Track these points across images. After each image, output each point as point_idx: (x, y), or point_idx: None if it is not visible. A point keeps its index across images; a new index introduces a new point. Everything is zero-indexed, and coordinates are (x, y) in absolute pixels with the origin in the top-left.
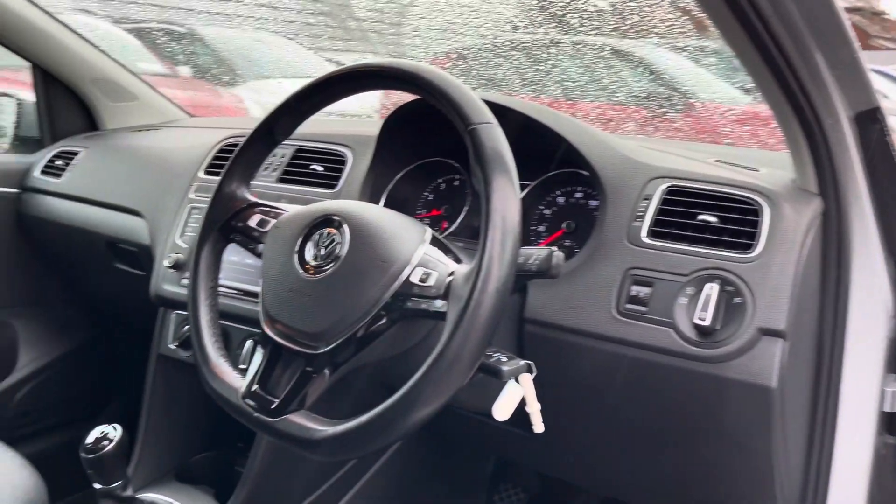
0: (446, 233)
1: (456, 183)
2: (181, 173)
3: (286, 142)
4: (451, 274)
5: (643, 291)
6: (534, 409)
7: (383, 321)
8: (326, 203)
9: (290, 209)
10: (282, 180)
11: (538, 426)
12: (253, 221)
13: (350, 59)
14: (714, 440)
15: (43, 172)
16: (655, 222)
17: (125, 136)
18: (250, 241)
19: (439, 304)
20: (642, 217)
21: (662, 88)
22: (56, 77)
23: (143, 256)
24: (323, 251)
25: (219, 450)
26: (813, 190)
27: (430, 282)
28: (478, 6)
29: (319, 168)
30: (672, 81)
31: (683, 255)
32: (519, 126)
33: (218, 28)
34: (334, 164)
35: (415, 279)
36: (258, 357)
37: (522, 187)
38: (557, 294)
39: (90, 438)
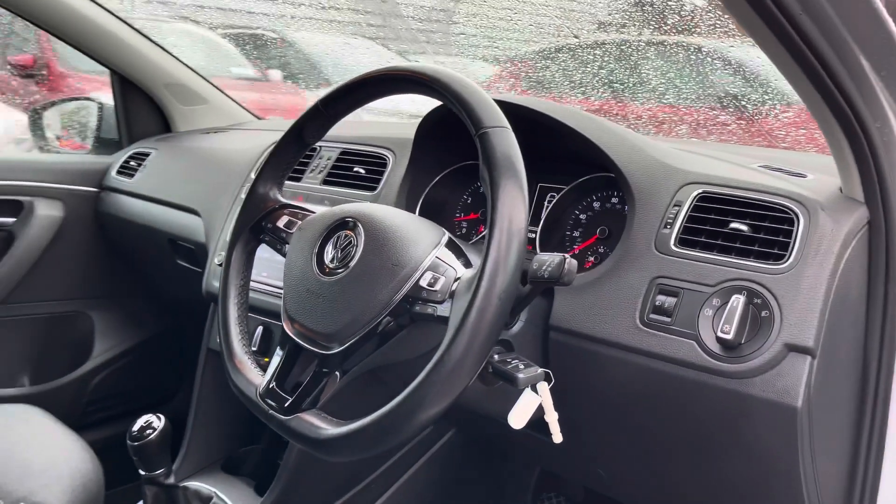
0: (481, 236)
1: None
2: (236, 174)
3: (332, 144)
4: (458, 279)
5: (668, 301)
6: (552, 418)
7: (393, 324)
8: (347, 206)
9: (317, 211)
10: (326, 182)
11: (557, 436)
12: (281, 222)
13: (433, 63)
14: (739, 458)
15: (118, 172)
16: (685, 230)
17: (193, 137)
18: (278, 241)
19: (444, 309)
20: (672, 224)
21: (712, 90)
22: (132, 82)
23: (199, 254)
24: (339, 253)
25: (264, 443)
26: (858, 198)
27: (437, 286)
28: (519, 8)
29: (362, 170)
30: (722, 83)
31: (712, 264)
32: (547, 129)
33: (308, 33)
34: (376, 166)
35: (424, 283)
36: (278, 355)
37: (557, 191)
38: (583, 302)
39: (135, 427)
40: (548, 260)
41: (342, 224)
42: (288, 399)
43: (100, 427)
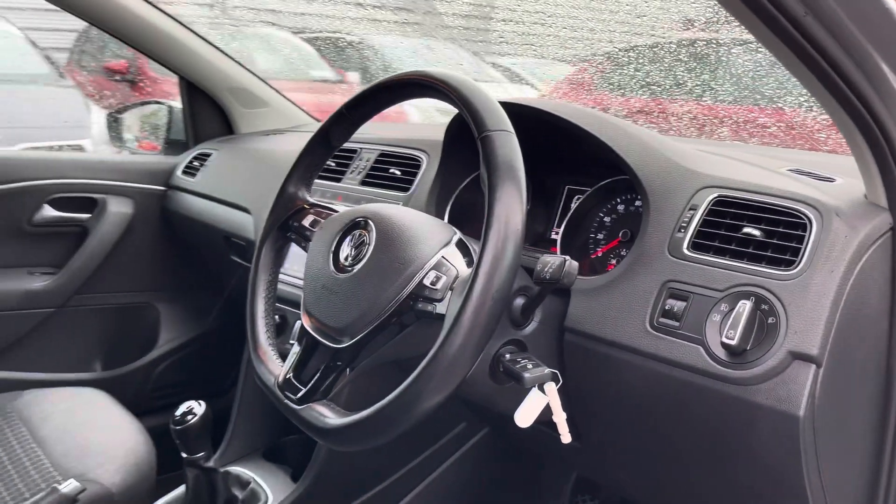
0: None
1: None
2: (285, 174)
3: (371, 146)
4: (457, 277)
5: (677, 305)
6: (559, 418)
7: (400, 320)
8: (364, 205)
9: (340, 210)
10: (364, 183)
11: (565, 436)
12: (307, 221)
13: (510, 63)
14: (746, 465)
15: (183, 172)
16: (699, 234)
17: (252, 139)
18: (303, 239)
19: (442, 307)
20: (686, 228)
21: (748, 92)
22: (198, 87)
23: (250, 250)
24: (353, 251)
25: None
26: (882, 203)
27: (439, 285)
28: (552, 11)
29: (397, 172)
30: (755, 84)
31: (722, 269)
32: (568, 132)
33: (388, 36)
34: (411, 167)
35: (427, 282)
36: (296, 348)
37: (581, 193)
38: (597, 304)
39: (178, 412)
40: (550, 261)
41: (357, 223)
42: (301, 390)
43: (161, 413)
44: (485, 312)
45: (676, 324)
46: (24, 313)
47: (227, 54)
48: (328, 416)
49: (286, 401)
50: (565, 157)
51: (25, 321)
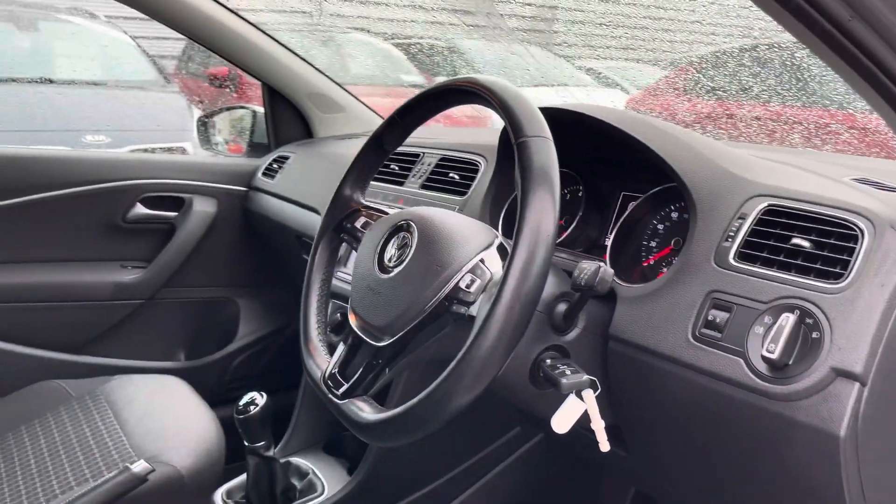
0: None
1: (580, 193)
2: None
3: (432, 150)
4: (490, 281)
5: (720, 316)
6: (597, 426)
7: (435, 322)
8: (409, 208)
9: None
10: (424, 186)
11: (603, 444)
12: (359, 223)
13: (603, 67)
14: (785, 485)
15: (263, 174)
16: (746, 244)
17: (327, 143)
18: (354, 240)
19: (474, 309)
20: (734, 237)
21: (816, 97)
22: (279, 92)
23: None
24: (396, 253)
25: None
26: None
27: (473, 288)
28: (612, 15)
29: (456, 176)
30: (823, 89)
31: (768, 280)
32: (618, 139)
33: (476, 41)
34: (469, 172)
35: (462, 284)
36: (342, 345)
37: (634, 199)
38: (641, 313)
39: (241, 402)
40: (585, 268)
41: (401, 226)
42: (344, 385)
43: (235, 404)
44: (514, 316)
45: (718, 335)
46: (115, 304)
47: (306, 61)
48: (365, 411)
49: (329, 394)
50: (621, 163)
51: (116, 311)
